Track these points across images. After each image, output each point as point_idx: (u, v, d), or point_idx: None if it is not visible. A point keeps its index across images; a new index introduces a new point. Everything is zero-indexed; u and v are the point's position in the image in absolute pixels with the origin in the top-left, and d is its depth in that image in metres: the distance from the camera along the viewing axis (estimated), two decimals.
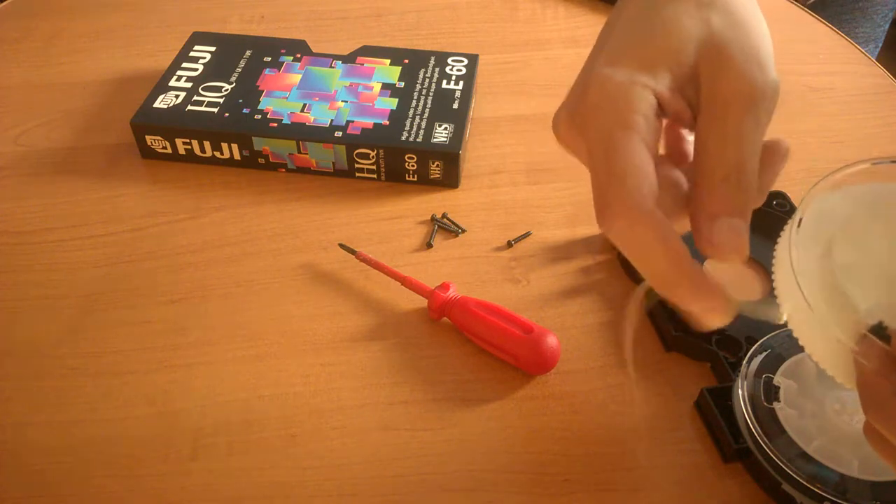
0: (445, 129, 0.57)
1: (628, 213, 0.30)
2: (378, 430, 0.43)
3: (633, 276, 0.51)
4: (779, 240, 0.32)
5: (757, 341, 0.43)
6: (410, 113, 0.58)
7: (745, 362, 0.42)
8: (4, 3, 0.77)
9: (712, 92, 0.32)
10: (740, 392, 0.41)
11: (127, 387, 0.45)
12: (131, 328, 0.48)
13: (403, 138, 0.56)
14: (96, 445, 0.43)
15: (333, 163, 0.58)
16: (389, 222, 0.55)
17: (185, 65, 0.63)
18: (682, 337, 0.46)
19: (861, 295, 0.28)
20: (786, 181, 0.48)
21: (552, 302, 0.50)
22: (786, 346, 0.42)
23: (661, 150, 0.36)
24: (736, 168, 0.31)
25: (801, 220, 0.31)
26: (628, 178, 0.30)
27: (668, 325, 0.46)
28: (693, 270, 0.30)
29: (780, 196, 0.54)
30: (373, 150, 0.56)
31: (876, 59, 0.73)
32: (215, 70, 0.62)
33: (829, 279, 0.29)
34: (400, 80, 0.62)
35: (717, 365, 0.45)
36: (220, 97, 0.59)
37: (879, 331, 0.28)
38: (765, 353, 0.42)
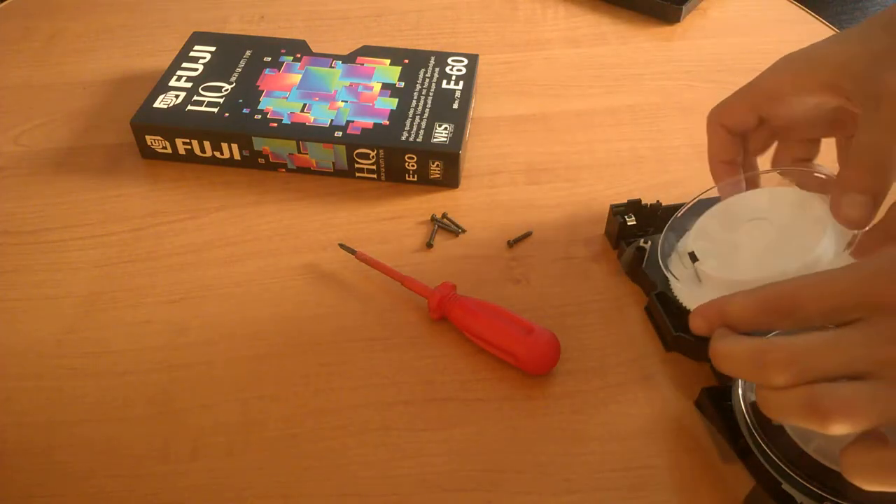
0: (445, 129, 0.57)
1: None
2: (378, 430, 0.43)
3: (634, 277, 0.51)
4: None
5: None
6: (410, 113, 0.58)
7: None
8: (4, 3, 0.77)
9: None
10: (740, 392, 0.41)
11: (127, 387, 0.45)
12: (131, 328, 0.48)
13: (403, 138, 0.56)
14: (96, 445, 0.43)
15: (333, 163, 0.58)
16: (389, 222, 0.55)
17: (185, 65, 0.63)
18: (683, 337, 0.46)
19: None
20: None
21: (552, 302, 0.50)
22: None
23: None
24: (869, 151, 0.37)
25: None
26: None
27: (667, 325, 0.46)
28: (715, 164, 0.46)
29: None
30: (373, 150, 0.56)
31: None
32: (215, 70, 0.62)
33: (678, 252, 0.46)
34: (400, 80, 0.62)
35: None
36: (220, 97, 0.59)
37: (692, 255, 0.43)
38: None
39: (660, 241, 0.46)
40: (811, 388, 0.32)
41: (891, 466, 0.31)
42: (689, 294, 0.45)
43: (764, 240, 0.42)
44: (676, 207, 0.48)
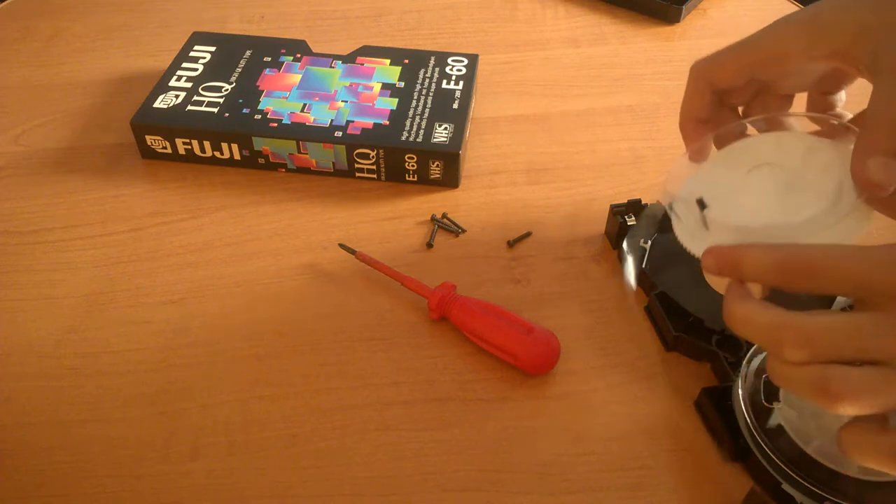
0: (445, 129, 0.57)
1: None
2: (378, 430, 0.43)
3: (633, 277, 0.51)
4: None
5: None
6: (410, 113, 0.58)
7: (744, 362, 0.42)
8: (4, 3, 0.77)
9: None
10: (740, 392, 0.41)
11: (127, 387, 0.45)
12: (131, 328, 0.48)
13: (403, 138, 0.56)
14: (96, 445, 0.43)
15: (333, 163, 0.58)
16: (389, 222, 0.55)
17: (185, 65, 0.63)
18: (682, 337, 0.46)
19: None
20: None
21: (552, 302, 0.50)
22: None
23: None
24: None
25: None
26: None
27: (668, 325, 0.46)
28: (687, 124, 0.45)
29: None
30: (373, 150, 0.56)
31: None
32: (215, 70, 0.62)
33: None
34: (400, 80, 0.62)
35: (717, 365, 0.45)
36: (220, 97, 0.59)
37: (701, 202, 0.41)
38: (765, 353, 0.42)
39: (664, 184, 0.45)
40: (824, 368, 0.32)
41: (886, 450, 0.32)
42: (692, 239, 0.43)
43: (773, 185, 0.41)
44: None
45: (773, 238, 0.38)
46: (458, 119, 0.58)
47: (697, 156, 0.45)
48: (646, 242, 0.49)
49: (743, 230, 0.40)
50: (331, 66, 0.63)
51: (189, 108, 0.59)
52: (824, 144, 0.41)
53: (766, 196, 0.41)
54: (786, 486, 0.38)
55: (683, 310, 0.47)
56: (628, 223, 0.51)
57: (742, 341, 0.45)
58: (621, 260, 0.51)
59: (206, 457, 0.42)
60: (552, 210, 0.56)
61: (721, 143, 0.45)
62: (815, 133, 0.44)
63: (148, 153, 0.60)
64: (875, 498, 0.37)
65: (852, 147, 0.39)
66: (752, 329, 0.34)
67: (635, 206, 0.52)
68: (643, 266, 0.49)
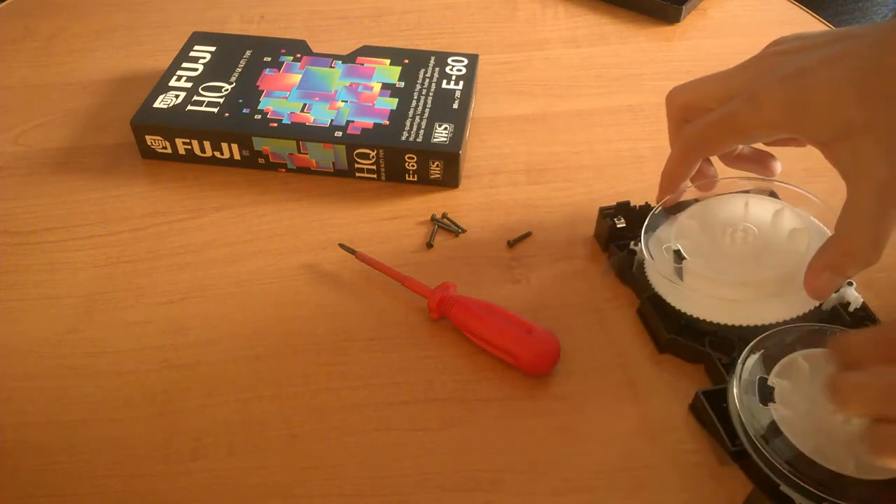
0: (445, 129, 0.57)
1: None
2: (378, 430, 0.43)
3: (625, 280, 0.50)
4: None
5: (750, 342, 0.43)
6: (410, 113, 0.58)
7: (738, 363, 0.42)
8: (4, 3, 0.77)
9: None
10: (735, 393, 0.41)
11: (127, 387, 0.45)
12: (131, 328, 0.48)
13: (403, 138, 0.56)
14: (96, 445, 0.43)
15: (333, 163, 0.58)
16: (389, 222, 0.55)
17: (185, 65, 0.63)
18: (675, 339, 0.46)
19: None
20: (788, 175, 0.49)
21: (552, 302, 0.50)
22: (779, 347, 0.42)
23: None
24: (856, 241, 0.39)
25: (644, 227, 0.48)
26: None
27: (661, 328, 0.46)
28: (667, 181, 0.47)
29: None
30: (373, 150, 0.56)
31: None
32: (215, 70, 0.62)
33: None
34: (400, 80, 0.62)
35: (710, 366, 0.45)
36: (220, 97, 0.60)
37: (679, 253, 0.46)
38: (758, 354, 0.42)
39: (642, 235, 0.48)
40: None
41: None
42: (662, 281, 0.47)
43: (745, 245, 0.46)
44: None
45: (744, 293, 0.44)
46: (458, 119, 0.58)
47: (670, 204, 0.49)
48: (636, 245, 0.49)
49: (715, 282, 0.44)
50: (331, 66, 0.63)
51: (189, 108, 0.59)
52: (790, 210, 0.46)
53: (739, 255, 0.46)
54: (784, 488, 0.38)
55: (676, 311, 0.46)
56: (617, 225, 0.51)
57: (735, 342, 0.45)
58: (611, 263, 0.51)
59: (206, 457, 0.42)
60: (552, 210, 0.56)
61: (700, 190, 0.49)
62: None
63: (148, 153, 0.60)
64: (874, 497, 0.37)
65: (813, 218, 0.45)
66: (865, 394, 0.34)
67: (624, 209, 0.52)
68: (632, 269, 0.49)
